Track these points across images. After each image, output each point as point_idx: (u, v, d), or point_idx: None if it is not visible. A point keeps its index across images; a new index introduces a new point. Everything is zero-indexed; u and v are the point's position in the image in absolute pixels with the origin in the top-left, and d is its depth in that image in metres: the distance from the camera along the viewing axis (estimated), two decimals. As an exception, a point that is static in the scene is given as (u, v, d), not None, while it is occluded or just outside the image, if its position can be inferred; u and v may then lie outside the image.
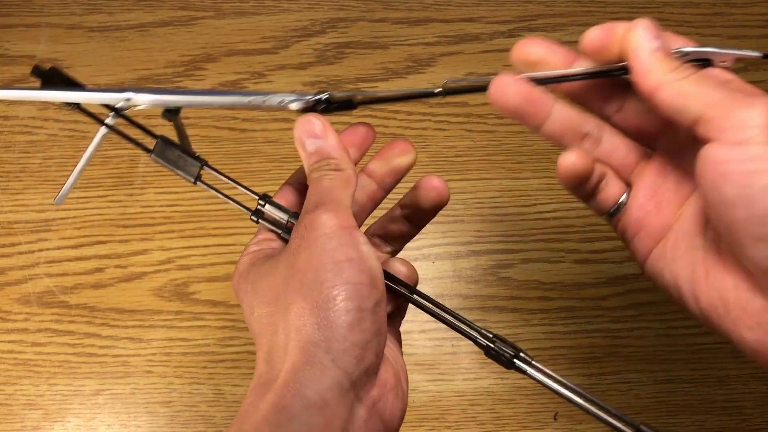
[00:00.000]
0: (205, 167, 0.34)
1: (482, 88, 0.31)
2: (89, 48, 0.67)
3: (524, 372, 0.31)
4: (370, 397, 0.28)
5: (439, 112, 0.65)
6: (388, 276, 0.33)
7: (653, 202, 0.31)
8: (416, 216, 0.36)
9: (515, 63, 0.31)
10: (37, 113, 0.65)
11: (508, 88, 0.30)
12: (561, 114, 0.31)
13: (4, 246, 0.60)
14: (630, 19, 0.30)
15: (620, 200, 0.32)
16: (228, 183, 0.34)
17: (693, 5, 0.72)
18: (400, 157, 0.35)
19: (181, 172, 0.34)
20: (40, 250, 0.59)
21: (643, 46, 0.29)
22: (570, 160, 0.31)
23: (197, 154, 0.34)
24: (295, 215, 0.33)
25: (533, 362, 0.32)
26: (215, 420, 0.54)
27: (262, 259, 0.31)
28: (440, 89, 0.32)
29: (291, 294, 0.28)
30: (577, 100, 0.32)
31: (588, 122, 0.32)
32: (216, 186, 0.34)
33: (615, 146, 0.32)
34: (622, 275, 0.59)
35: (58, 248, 0.59)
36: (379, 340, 0.28)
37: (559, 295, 0.58)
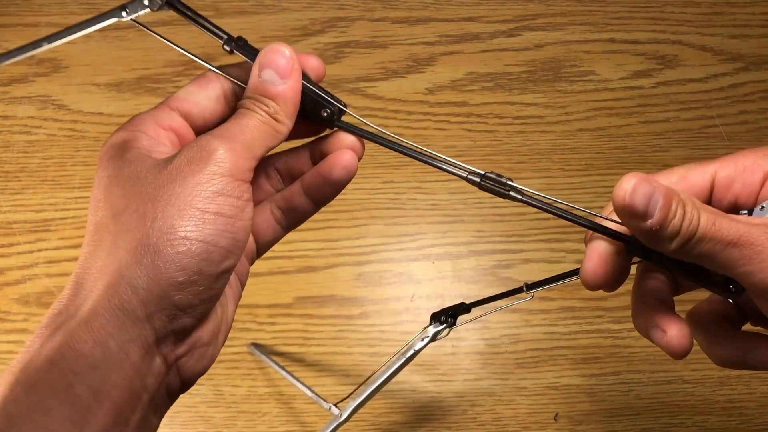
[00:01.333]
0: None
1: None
2: (89, 48, 0.67)
3: (520, 200, 0.29)
4: (174, 354, 0.26)
5: (439, 112, 0.65)
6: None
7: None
8: (318, 193, 0.31)
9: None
10: (36, 113, 0.65)
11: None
12: None
13: (2, 246, 0.59)
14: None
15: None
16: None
17: (693, 5, 0.72)
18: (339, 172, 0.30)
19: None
20: (39, 251, 0.59)
21: (639, 227, 0.25)
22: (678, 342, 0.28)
23: None
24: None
25: (524, 190, 0.30)
26: (214, 421, 0.54)
27: (141, 154, 0.27)
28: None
29: (133, 221, 0.25)
30: None
31: None
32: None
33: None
34: (622, 275, 0.59)
35: (57, 248, 0.59)
36: (207, 307, 0.26)
37: (560, 296, 0.58)
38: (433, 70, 0.68)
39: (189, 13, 0.31)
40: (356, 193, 0.61)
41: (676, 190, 0.25)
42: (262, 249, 0.33)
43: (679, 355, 0.28)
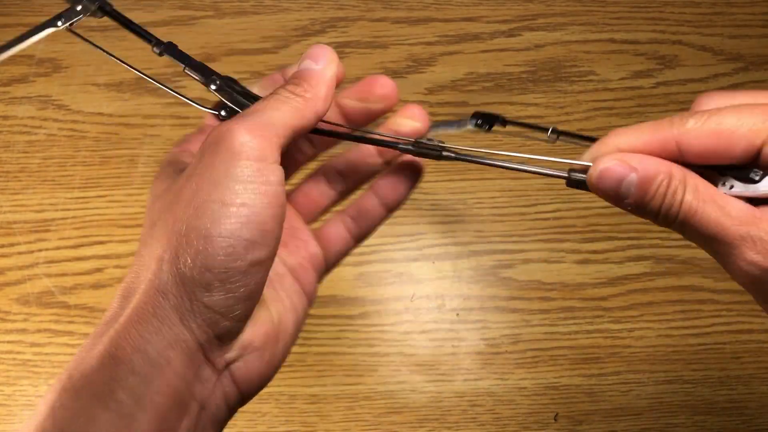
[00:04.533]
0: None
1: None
2: (89, 48, 0.67)
3: (454, 158, 0.29)
4: (223, 359, 0.25)
5: (439, 112, 0.65)
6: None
7: None
8: (390, 192, 0.31)
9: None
10: (36, 113, 0.65)
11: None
12: None
13: (3, 246, 0.59)
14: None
15: None
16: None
17: (693, 5, 0.72)
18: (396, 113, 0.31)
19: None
20: (40, 251, 0.59)
21: (621, 205, 0.25)
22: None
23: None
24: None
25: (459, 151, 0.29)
26: (215, 420, 0.54)
27: (179, 167, 0.27)
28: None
29: (163, 227, 0.24)
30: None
31: None
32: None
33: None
34: (622, 275, 0.59)
35: (58, 248, 0.59)
36: (246, 305, 0.25)
37: (560, 296, 0.58)
38: (433, 70, 0.68)
39: (121, 19, 0.32)
40: (356, 194, 0.61)
41: (669, 166, 0.24)
42: (331, 261, 0.32)
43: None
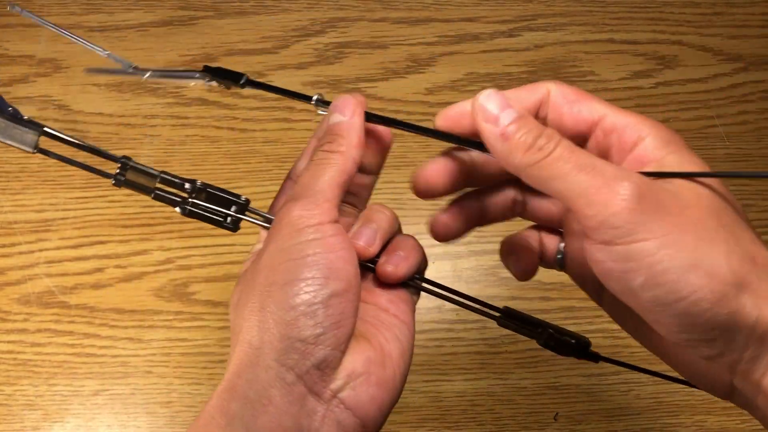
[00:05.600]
0: (44, 132, 0.32)
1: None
2: (89, 48, 0.67)
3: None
4: (329, 389, 0.27)
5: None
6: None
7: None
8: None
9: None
10: (37, 113, 0.65)
11: (450, 225, 0.33)
12: (491, 203, 0.33)
13: (3, 246, 0.59)
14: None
15: (558, 251, 0.33)
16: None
17: (693, 5, 0.72)
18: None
19: (14, 143, 0.31)
20: (40, 251, 0.59)
21: (489, 132, 0.27)
22: (523, 272, 0.33)
23: (30, 119, 0.31)
24: (162, 173, 0.31)
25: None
26: (215, 420, 0.54)
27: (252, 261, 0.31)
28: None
29: (244, 295, 0.28)
30: (494, 178, 0.32)
31: (509, 192, 0.33)
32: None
33: (538, 204, 0.33)
34: (622, 275, 0.59)
35: (58, 248, 0.59)
36: (336, 333, 0.27)
37: (559, 295, 0.58)
38: (433, 71, 0.68)
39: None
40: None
41: (547, 128, 0.26)
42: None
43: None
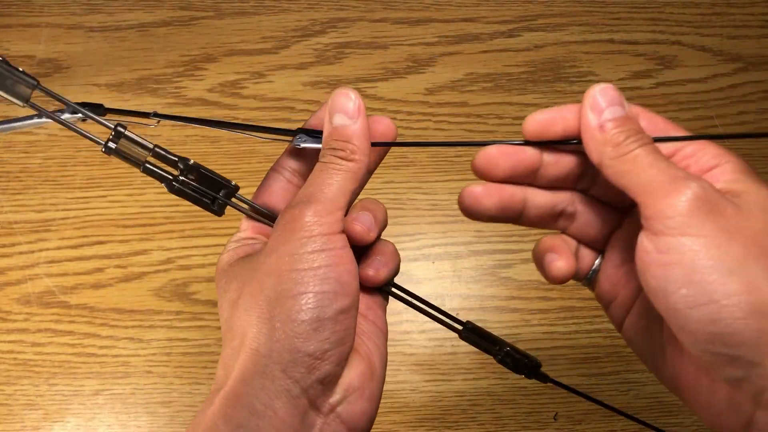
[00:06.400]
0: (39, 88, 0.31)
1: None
2: (89, 48, 0.67)
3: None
4: (327, 403, 0.27)
5: (439, 112, 0.65)
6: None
7: (622, 271, 0.31)
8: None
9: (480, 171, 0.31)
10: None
11: (481, 199, 0.31)
12: (535, 201, 0.32)
13: (4, 246, 0.60)
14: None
15: (593, 268, 0.33)
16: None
17: (693, 5, 0.72)
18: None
19: (6, 94, 0.30)
20: (40, 250, 0.59)
21: (590, 120, 0.28)
22: (560, 271, 0.31)
23: (24, 71, 0.30)
24: (157, 147, 0.31)
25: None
26: (215, 420, 0.54)
27: (241, 258, 0.30)
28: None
29: (250, 298, 0.28)
30: (551, 181, 0.32)
31: (561, 200, 0.32)
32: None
33: (589, 219, 0.32)
34: (622, 275, 0.59)
35: (58, 248, 0.59)
36: (341, 349, 0.27)
37: (559, 295, 0.58)
38: (433, 71, 0.68)
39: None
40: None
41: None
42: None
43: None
